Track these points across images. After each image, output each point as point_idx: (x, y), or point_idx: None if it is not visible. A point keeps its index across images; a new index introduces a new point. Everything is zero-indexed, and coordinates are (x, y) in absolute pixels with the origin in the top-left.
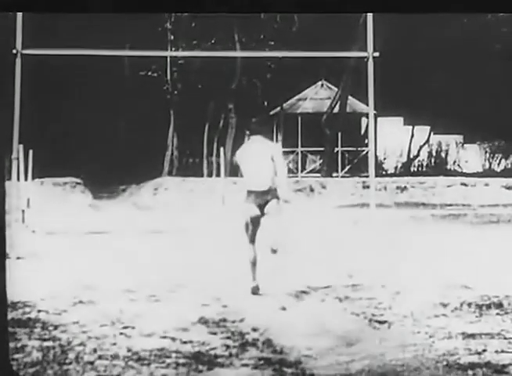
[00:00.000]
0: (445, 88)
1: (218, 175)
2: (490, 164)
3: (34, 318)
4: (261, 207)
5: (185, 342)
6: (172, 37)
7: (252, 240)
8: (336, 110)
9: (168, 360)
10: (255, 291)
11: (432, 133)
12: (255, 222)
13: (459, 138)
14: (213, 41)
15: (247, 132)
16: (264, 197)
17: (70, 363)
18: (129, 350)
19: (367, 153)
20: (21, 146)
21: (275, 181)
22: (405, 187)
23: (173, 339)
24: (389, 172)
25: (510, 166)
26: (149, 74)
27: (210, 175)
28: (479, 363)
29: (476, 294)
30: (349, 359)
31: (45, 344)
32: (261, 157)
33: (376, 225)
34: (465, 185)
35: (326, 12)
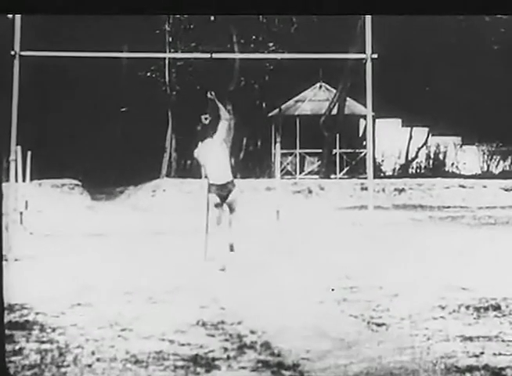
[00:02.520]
0: (443, 89)
1: None
2: (488, 166)
3: (32, 320)
4: (222, 197)
5: (183, 345)
6: (171, 39)
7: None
8: (334, 111)
9: (166, 363)
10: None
11: (430, 135)
12: (219, 205)
13: (458, 139)
14: (211, 43)
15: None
16: (224, 189)
17: (68, 366)
18: (127, 352)
19: (365, 154)
20: (19, 147)
21: (231, 175)
22: (404, 189)
23: (171, 342)
24: (387, 174)
25: (508, 168)
26: (148, 75)
27: None
28: (477, 365)
29: (474, 297)
30: (347, 361)
31: (43, 346)
32: (218, 152)
33: (375, 227)
34: (463, 187)
35: (325, 14)
